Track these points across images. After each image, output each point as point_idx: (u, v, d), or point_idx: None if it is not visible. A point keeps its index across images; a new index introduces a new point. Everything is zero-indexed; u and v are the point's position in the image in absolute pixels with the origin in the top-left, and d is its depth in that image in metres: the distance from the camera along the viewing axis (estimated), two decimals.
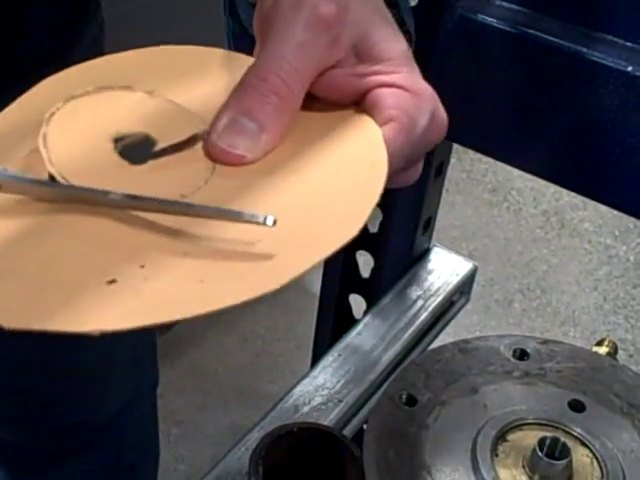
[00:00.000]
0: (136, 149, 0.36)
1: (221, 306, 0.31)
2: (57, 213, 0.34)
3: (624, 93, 0.58)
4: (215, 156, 0.36)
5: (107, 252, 0.32)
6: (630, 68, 0.57)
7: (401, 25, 0.42)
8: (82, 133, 0.37)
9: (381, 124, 0.38)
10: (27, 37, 0.59)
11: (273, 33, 0.37)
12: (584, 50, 0.58)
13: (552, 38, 0.59)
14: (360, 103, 0.39)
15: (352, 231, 0.33)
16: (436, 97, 0.39)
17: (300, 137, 0.37)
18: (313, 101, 0.39)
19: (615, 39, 0.59)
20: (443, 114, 0.39)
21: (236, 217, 0.33)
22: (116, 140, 0.37)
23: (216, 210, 0.34)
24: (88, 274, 0.31)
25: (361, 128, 0.38)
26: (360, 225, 0.33)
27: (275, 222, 0.33)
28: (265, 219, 0.33)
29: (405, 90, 0.38)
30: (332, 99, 0.39)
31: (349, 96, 0.39)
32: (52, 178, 0.35)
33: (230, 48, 0.49)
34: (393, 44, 0.39)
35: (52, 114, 0.37)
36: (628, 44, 0.58)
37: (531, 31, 0.59)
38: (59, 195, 0.34)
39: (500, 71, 0.63)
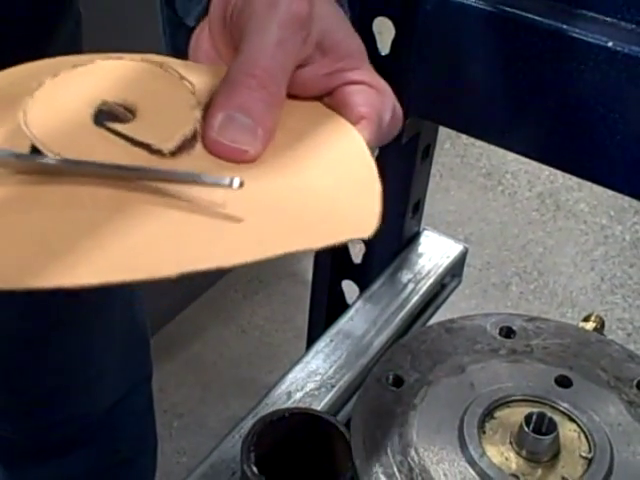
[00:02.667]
0: (117, 118, 0.36)
1: (191, 269, 0.31)
2: (35, 184, 0.34)
3: (606, 69, 0.57)
4: (218, 153, 0.36)
5: (84, 214, 0.33)
6: (611, 44, 0.57)
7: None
8: (65, 102, 0.37)
9: (353, 122, 0.38)
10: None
11: (251, 31, 0.37)
12: (564, 27, 0.58)
13: (532, 16, 0.59)
14: (326, 99, 0.40)
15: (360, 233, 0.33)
16: (392, 91, 0.40)
17: (284, 136, 0.37)
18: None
19: (595, 15, 0.59)
20: (399, 107, 0.40)
21: (200, 181, 0.34)
22: (99, 110, 0.37)
23: (177, 174, 0.34)
24: (64, 235, 0.32)
25: (338, 128, 0.38)
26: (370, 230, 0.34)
27: (242, 184, 0.33)
28: (232, 181, 0.33)
29: (370, 87, 0.39)
30: (300, 96, 0.39)
31: (316, 93, 0.39)
32: (34, 149, 0.35)
33: (165, 36, 0.49)
34: (352, 40, 0.40)
35: (39, 85, 0.37)
36: (608, 19, 0.58)
37: (510, 9, 0.59)
38: (34, 167, 0.34)
39: (481, 51, 0.62)
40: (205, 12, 0.41)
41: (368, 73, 0.39)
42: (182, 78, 0.38)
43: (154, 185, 0.34)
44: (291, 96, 0.39)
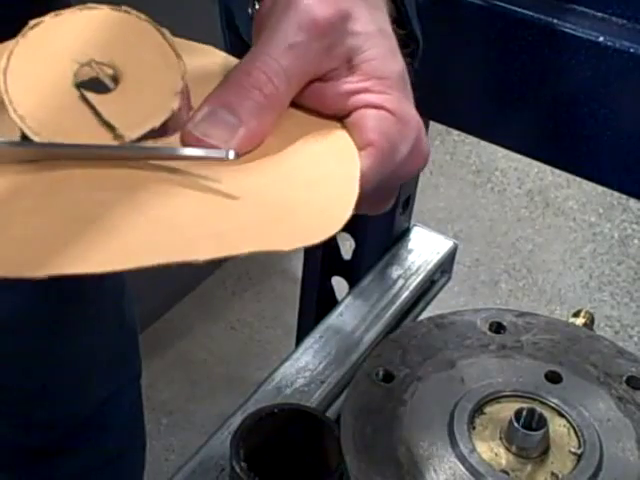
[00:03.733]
0: (99, 82, 0.36)
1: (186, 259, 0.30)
2: (29, 172, 0.33)
3: (596, 64, 0.57)
4: (188, 144, 0.35)
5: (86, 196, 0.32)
6: (601, 38, 0.57)
7: (405, 45, 0.40)
8: (48, 58, 0.36)
9: (360, 147, 0.36)
10: None
11: (265, 32, 0.36)
12: (555, 21, 0.58)
13: (523, 10, 0.59)
14: (344, 119, 0.37)
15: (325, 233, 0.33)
16: (422, 126, 0.37)
17: (276, 142, 0.36)
18: (295, 108, 0.37)
19: (586, 10, 0.59)
20: (426, 145, 0.38)
21: (194, 156, 0.33)
22: (82, 68, 0.36)
23: (165, 150, 0.34)
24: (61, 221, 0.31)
25: (338, 145, 0.37)
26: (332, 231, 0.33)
27: (238, 155, 0.32)
28: (227, 153, 0.32)
29: (391, 114, 0.36)
30: (315, 110, 0.37)
31: (334, 111, 0.37)
32: (23, 135, 0.34)
33: None
34: (389, 63, 0.37)
35: (17, 42, 0.36)
36: (599, 14, 0.58)
37: (501, 4, 0.59)
38: (25, 153, 0.34)
39: (472, 45, 0.62)
40: None
41: (395, 100, 0.36)
42: (178, 57, 0.36)
43: (147, 163, 0.34)
44: (307, 110, 0.37)
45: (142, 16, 0.37)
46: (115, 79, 0.36)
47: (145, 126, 0.34)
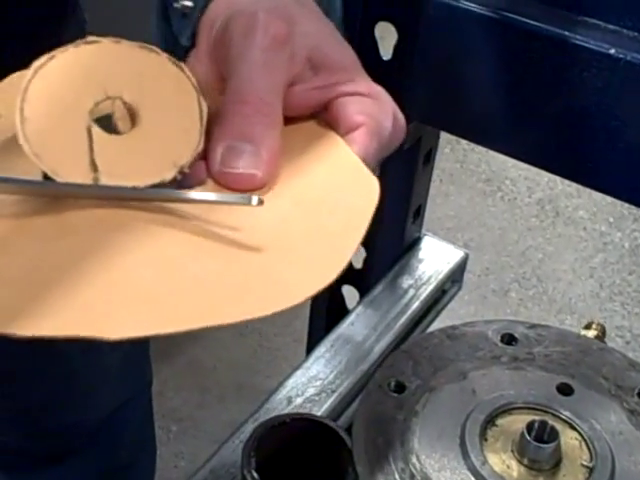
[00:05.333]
0: (113, 121, 0.36)
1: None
2: (47, 213, 0.33)
3: (607, 76, 0.57)
4: (226, 183, 0.36)
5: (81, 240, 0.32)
6: (613, 51, 0.57)
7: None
8: (65, 95, 0.36)
9: (350, 130, 0.38)
10: (3, 35, 0.59)
11: (233, 61, 0.37)
12: (566, 34, 0.58)
13: (534, 22, 0.59)
14: (322, 114, 0.39)
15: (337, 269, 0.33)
16: (392, 100, 0.40)
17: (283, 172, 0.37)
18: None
19: (597, 22, 0.59)
20: (401, 116, 0.40)
21: (216, 201, 0.33)
22: (98, 106, 0.36)
23: (188, 195, 0.34)
24: (74, 275, 0.31)
25: (330, 145, 0.38)
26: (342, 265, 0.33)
27: (262, 201, 0.33)
28: (250, 199, 0.33)
29: (366, 96, 0.38)
30: (294, 114, 0.39)
31: (310, 110, 0.39)
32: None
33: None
34: (344, 52, 0.40)
35: (30, 80, 0.36)
36: (610, 27, 0.58)
37: (512, 15, 0.59)
38: (42, 191, 0.34)
39: (483, 57, 0.63)
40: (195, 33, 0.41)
41: (363, 83, 0.39)
42: (195, 89, 0.37)
43: (163, 206, 0.34)
44: (286, 117, 0.38)
45: (161, 52, 0.38)
46: (133, 117, 0.36)
47: (128, 181, 0.34)
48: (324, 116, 0.39)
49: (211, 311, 0.31)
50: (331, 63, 0.39)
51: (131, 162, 0.35)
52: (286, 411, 0.62)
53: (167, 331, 0.30)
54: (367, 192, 0.36)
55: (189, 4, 0.42)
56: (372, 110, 0.38)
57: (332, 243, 0.34)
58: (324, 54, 0.39)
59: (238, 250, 0.33)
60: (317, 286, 0.32)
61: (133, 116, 0.36)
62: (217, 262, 0.32)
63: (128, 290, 0.31)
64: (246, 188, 0.35)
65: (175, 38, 0.44)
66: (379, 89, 0.39)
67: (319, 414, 0.62)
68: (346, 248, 0.33)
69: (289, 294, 0.31)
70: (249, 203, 0.33)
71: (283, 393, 0.65)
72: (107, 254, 0.32)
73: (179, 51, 0.44)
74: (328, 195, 0.36)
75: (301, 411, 0.62)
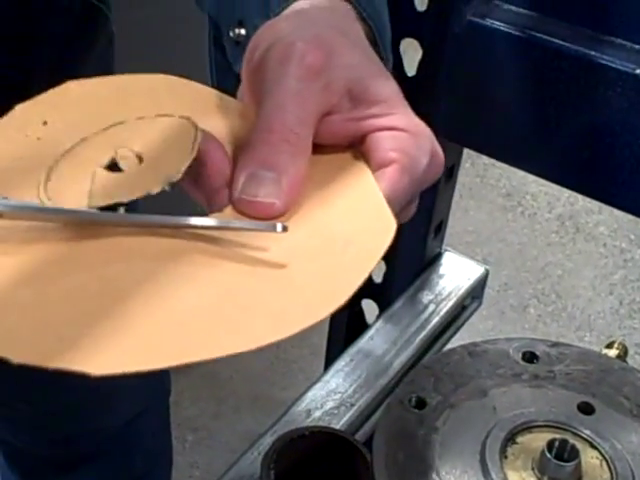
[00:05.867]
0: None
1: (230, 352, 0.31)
2: (71, 241, 0.34)
3: (633, 96, 0.58)
4: (245, 210, 0.36)
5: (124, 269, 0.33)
6: (638, 71, 0.57)
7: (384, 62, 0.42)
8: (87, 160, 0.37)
9: (383, 166, 0.37)
10: (36, 49, 0.60)
11: (267, 89, 0.37)
12: (592, 53, 0.58)
13: (560, 41, 0.59)
14: (358, 146, 0.39)
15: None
16: (432, 135, 0.39)
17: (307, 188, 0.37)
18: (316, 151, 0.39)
19: (623, 42, 0.59)
20: (440, 151, 0.39)
21: (239, 228, 0.34)
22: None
23: (212, 224, 0.34)
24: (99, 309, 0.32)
25: (358, 179, 0.38)
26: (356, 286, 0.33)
27: (286, 228, 0.33)
28: (275, 226, 0.33)
29: (403, 131, 0.38)
30: (328, 144, 0.39)
31: (346, 140, 0.39)
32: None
33: (212, 77, 0.49)
34: (385, 85, 0.39)
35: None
36: (636, 47, 0.59)
37: (539, 34, 0.60)
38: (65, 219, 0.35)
39: (509, 75, 0.63)
40: None
41: (402, 117, 0.38)
42: (192, 151, 0.37)
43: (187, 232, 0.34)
44: (320, 146, 0.38)
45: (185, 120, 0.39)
46: (140, 159, 0.37)
47: (116, 198, 0.35)
48: (360, 149, 0.39)
49: (252, 333, 0.32)
50: (371, 96, 0.38)
51: (123, 184, 0.36)
52: (305, 424, 0.62)
53: (219, 355, 0.31)
54: (382, 233, 0.35)
55: (243, 32, 0.42)
56: (407, 146, 0.37)
57: (334, 280, 0.34)
58: (364, 86, 0.38)
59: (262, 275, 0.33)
60: (310, 320, 0.33)
61: (140, 157, 0.38)
62: (261, 287, 0.33)
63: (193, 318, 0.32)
64: (264, 216, 0.35)
65: (229, 65, 0.44)
66: (419, 123, 0.39)
67: (338, 427, 0.62)
68: (346, 286, 0.33)
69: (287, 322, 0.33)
70: (274, 230, 0.33)
71: (302, 406, 0.65)
72: (158, 284, 0.33)
73: (231, 78, 0.44)
74: (342, 231, 0.36)
75: (320, 424, 0.63)
